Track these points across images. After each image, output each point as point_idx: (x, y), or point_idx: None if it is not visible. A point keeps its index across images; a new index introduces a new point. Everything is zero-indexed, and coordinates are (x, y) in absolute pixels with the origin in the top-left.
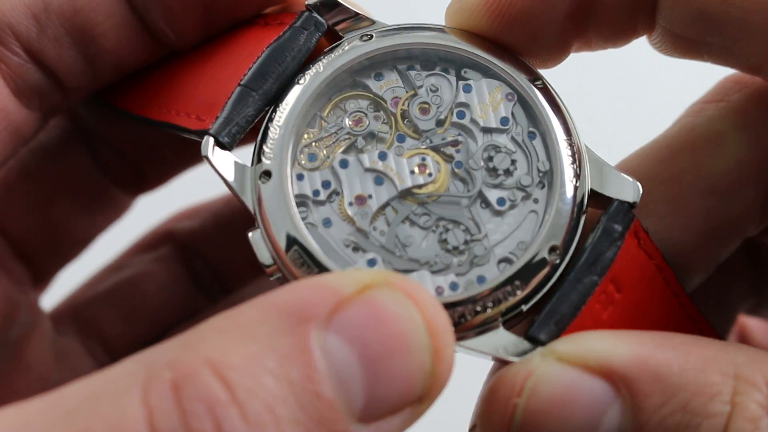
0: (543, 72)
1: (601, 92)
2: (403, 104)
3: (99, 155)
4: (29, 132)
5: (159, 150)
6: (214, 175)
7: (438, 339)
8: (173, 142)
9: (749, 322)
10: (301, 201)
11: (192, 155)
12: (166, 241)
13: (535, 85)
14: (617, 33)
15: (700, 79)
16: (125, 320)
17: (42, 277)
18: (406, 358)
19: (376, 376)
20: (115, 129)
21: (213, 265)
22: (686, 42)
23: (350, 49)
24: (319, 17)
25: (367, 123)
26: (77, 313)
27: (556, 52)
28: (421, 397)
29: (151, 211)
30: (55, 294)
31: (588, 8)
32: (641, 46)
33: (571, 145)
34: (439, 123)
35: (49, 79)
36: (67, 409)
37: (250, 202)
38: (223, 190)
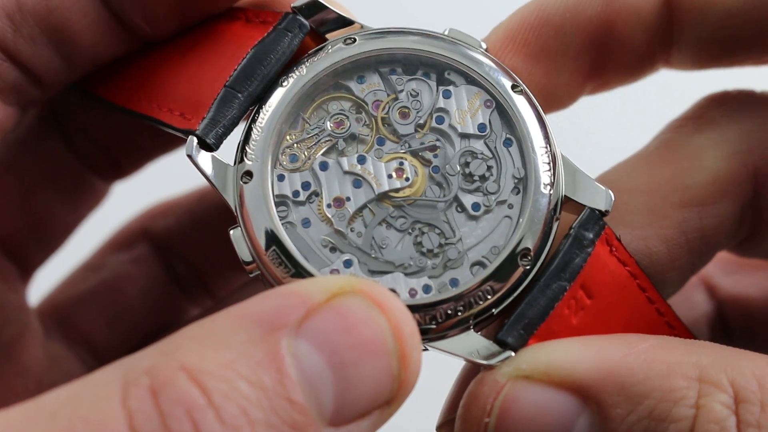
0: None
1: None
2: (383, 108)
3: (74, 143)
4: (8, 126)
5: (132, 137)
6: (185, 166)
7: (404, 344)
8: (146, 130)
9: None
10: (281, 201)
11: (165, 143)
12: (141, 239)
13: (515, 93)
14: (636, 64)
15: (685, 96)
16: (110, 326)
17: (27, 271)
18: (374, 363)
19: (345, 381)
20: (88, 116)
21: (191, 263)
22: (720, 44)
23: (333, 52)
24: (303, 19)
25: (349, 125)
26: (60, 317)
27: (572, 89)
28: (389, 399)
29: (121, 201)
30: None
31: (606, 41)
32: None
33: (547, 152)
34: (418, 127)
35: (26, 75)
36: (50, 412)
37: (232, 201)
38: (196, 184)
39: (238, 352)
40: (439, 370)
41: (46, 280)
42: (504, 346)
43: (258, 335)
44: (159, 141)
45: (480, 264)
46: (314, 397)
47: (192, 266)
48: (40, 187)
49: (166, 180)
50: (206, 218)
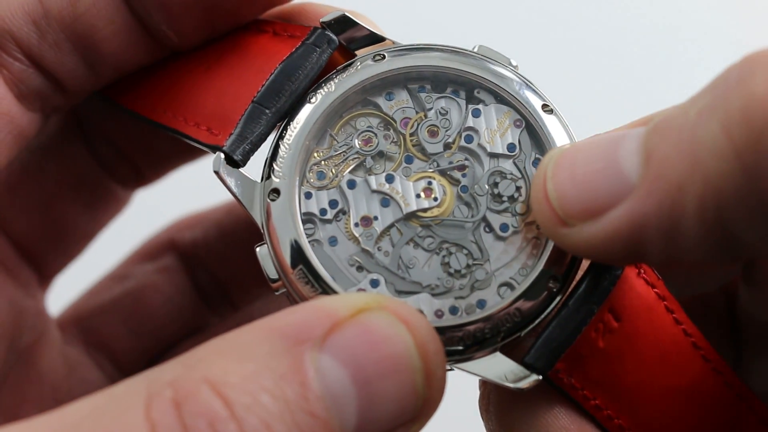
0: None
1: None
2: (412, 126)
3: (96, 150)
4: (32, 133)
5: (154, 146)
6: (207, 175)
7: (429, 361)
8: (169, 139)
9: None
10: (308, 219)
11: (187, 152)
12: (168, 250)
13: (545, 112)
14: None
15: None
16: (132, 334)
17: (46, 278)
18: (398, 379)
19: (368, 397)
20: (111, 124)
21: (216, 276)
22: None
23: (362, 69)
24: (331, 35)
25: (377, 142)
26: (82, 324)
27: None
28: (414, 417)
29: (146, 212)
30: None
31: None
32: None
33: None
34: (447, 146)
35: (51, 82)
36: (73, 423)
37: (258, 218)
38: (218, 193)
39: (262, 365)
40: (465, 389)
41: (66, 290)
42: (531, 369)
43: (282, 348)
44: (181, 150)
45: (508, 285)
46: (337, 412)
47: (216, 278)
48: (61, 193)
49: (188, 188)
50: (233, 232)
